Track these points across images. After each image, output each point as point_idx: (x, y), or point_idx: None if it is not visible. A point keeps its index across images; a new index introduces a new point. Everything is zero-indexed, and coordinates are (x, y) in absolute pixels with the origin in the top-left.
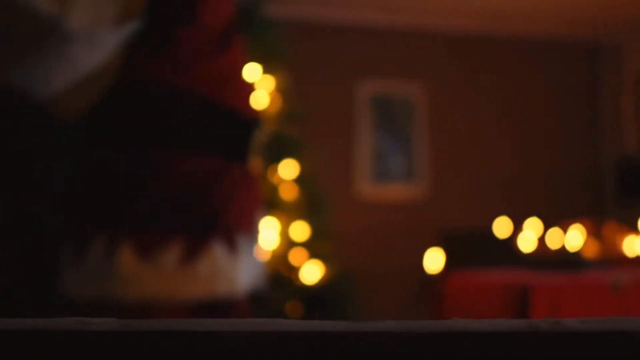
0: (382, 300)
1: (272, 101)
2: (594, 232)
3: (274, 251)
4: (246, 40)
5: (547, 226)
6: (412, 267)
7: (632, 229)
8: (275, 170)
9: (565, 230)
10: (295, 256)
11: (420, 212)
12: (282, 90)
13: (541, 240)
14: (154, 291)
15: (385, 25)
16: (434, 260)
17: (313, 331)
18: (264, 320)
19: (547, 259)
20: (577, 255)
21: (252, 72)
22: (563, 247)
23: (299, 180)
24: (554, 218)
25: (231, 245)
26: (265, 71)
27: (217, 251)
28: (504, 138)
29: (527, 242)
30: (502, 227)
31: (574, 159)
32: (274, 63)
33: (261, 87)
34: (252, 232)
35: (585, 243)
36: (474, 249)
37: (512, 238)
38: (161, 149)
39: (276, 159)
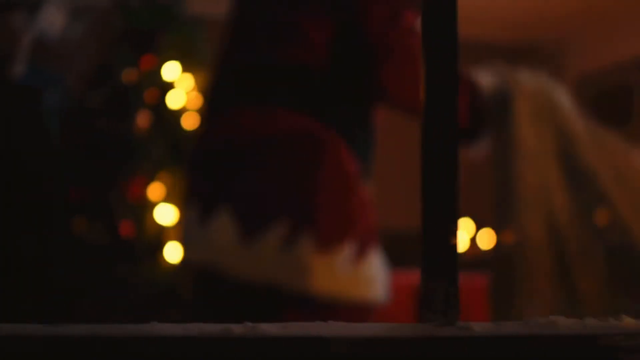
0: None
1: (192, 100)
2: None
3: None
4: (165, 37)
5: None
6: None
7: None
8: None
9: None
10: None
11: None
12: (203, 90)
13: (473, 240)
14: (327, 287)
15: None
16: None
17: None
18: None
19: (467, 259)
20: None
21: (171, 70)
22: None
23: None
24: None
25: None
26: (185, 70)
27: (375, 255)
28: None
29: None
30: None
31: None
32: (195, 61)
33: (180, 86)
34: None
35: None
36: (408, 250)
37: None
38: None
39: None
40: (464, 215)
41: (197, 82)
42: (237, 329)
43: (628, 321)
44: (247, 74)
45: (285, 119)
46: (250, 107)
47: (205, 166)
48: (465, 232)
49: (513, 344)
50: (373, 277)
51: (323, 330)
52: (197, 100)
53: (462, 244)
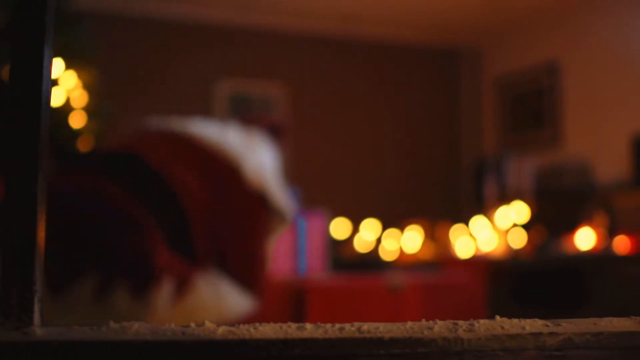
0: None
1: (75, 98)
2: (430, 233)
3: None
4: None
5: (391, 227)
6: None
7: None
8: None
9: (403, 231)
10: None
11: None
12: (90, 87)
13: (379, 241)
14: None
15: (242, 25)
16: None
17: None
18: None
19: (350, 260)
20: (376, 257)
21: (54, 67)
22: (374, 250)
23: None
24: (404, 219)
25: (212, 277)
26: (68, 67)
27: (202, 284)
28: (364, 139)
29: (362, 243)
30: (340, 228)
31: (434, 160)
32: (79, 58)
33: (62, 83)
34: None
35: (423, 244)
36: None
37: (351, 239)
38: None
39: None
40: (371, 216)
41: (80, 79)
42: None
43: (222, 330)
44: (112, 155)
45: (102, 185)
46: (87, 176)
47: None
48: (372, 233)
49: (78, 349)
50: (204, 304)
51: None
52: (80, 99)
53: (366, 245)
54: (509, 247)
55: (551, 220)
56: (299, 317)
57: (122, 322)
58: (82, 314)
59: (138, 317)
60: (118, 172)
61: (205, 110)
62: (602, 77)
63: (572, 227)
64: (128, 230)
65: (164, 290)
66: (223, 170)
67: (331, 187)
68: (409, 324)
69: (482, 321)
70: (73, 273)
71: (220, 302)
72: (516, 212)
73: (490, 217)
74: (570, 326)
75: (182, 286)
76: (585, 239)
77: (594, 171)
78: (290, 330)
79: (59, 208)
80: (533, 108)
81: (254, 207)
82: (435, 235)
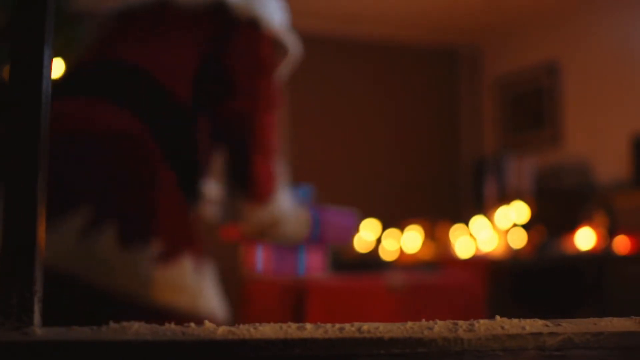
0: None
1: None
2: (430, 233)
3: None
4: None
5: (391, 227)
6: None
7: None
8: None
9: (403, 231)
10: None
11: None
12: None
13: (379, 240)
14: (124, 283)
15: None
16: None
17: None
18: None
19: (349, 260)
20: (376, 257)
21: (53, 67)
22: (374, 250)
23: None
24: (404, 219)
25: (199, 263)
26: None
27: (187, 264)
28: (364, 139)
29: (362, 243)
30: None
31: (433, 161)
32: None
33: None
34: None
35: (423, 244)
36: None
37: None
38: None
39: None
40: (371, 216)
41: None
42: None
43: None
44: (96, 69)
45: (107, 114)
46: (81, 99)
47: None
48: (372, 233)
49: (78, 349)
50: (183, 284)
51: None
52: None
53: (366, 245)
54: (509, 247)
55: (551, 220)
56: (299, 317)
57: (101, 269)
58: (64, 249)
59: (117, 269)
60: (117, 88)
61: None
62: (602, 77)
63: (572, 227)
64: (140, 173)
65: (151, 251)
66: (216, 24)
67: (331, 187)
68: (409, 324)
69: (482, 321)
70: (66, 205)
71: (198, 293)
72: (516, 212)
73: (490, 217)
74: (570, 326)
75: (169, 256)
76: (585, 239)
77: (594, 171)
78: (290, 330)
79: (58, 133)
80: (533, 108)
81: (252, 45)
82: (435, 235)
